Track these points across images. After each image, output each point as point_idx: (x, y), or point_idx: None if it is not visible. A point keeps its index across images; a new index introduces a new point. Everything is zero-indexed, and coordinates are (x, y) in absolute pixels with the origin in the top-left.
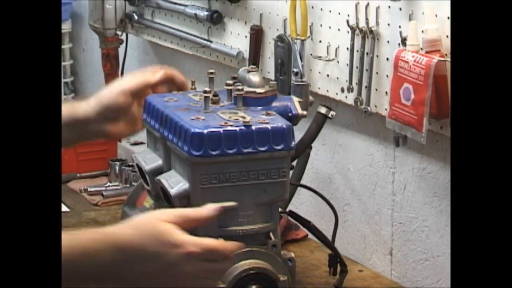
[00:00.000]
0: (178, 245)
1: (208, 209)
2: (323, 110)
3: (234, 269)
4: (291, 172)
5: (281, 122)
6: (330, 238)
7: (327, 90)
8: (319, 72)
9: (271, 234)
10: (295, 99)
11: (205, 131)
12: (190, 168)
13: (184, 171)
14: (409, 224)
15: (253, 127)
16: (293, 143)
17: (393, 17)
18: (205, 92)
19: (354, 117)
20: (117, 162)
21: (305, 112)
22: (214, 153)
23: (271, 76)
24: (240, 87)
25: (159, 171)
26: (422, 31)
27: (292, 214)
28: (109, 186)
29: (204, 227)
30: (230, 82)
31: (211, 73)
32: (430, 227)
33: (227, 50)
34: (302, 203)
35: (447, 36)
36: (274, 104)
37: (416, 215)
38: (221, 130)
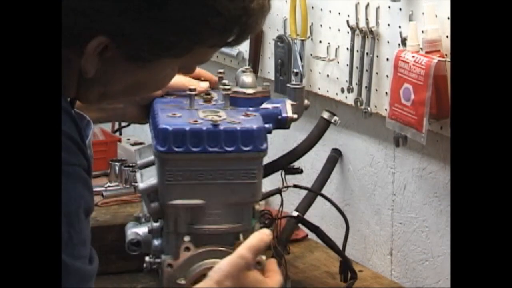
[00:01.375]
0: (243, 263)
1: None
2: (326, 115)
3: (196, 267)
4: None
5: (255, 124)
6: (332, 239)
7: (327, 91)
8: (319, 73)
9: (240, 236)
10: (288, 102)
11: (171, 127)
12: (157, 163)
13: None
14: (409, 224)
15: (221, 127)
16: (265, 145)
17: (393, 18)
18: (190, 90)
19: (354, 117)
20: (117, 163)
21: (295, 116)
22: (178, 149)
23: (271, 76)
24: (227, 87)
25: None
26: (422, 32)
27: (300, 219)
28: (109, 186)
29: (173, 225)
30: (226, 82)
31: (220, 72)
32: (430, 227)
33: (227, 51)
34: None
35: (447, 37)
36: (265, 105)
37: (416, 215)
38: (186, 127)
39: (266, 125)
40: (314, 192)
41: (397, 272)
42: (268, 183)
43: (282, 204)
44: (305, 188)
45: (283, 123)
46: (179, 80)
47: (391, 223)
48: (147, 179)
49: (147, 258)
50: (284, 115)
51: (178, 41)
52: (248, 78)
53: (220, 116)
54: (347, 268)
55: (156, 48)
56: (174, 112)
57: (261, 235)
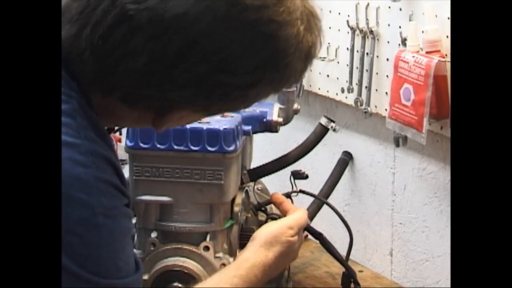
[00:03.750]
0: (292, 233)
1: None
2: (323, 121)
3: (158, 264)
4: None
5: (225, 125)
6: (339, 241)
7: (327, 91)
8: (319, 73)
9: (208, 236)
10: (276, 106)
11: None
12: (128, 159)
13: None
14: (409, 224)
15: (188, 126)
16: (232, 147)
17: (393, 18)
18: None
19: (354, 117)
20: None
21: (280, 119)
22: (145, 146)
23: None
24: None
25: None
26: (422, 32)
27: None
28: None
29: (142, 220)
30: None
31: None
32: (430, 227)
33: None
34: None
35: (447, 37)
36: (252, 108)
37: (416, 216)
38: None
39: (246, 128)
40: (319, 199)
41: (397, 272)
42: (278, 187)
43: None
44: (311, 195)
45: (268, 127)
46: None
47: (391, 223)
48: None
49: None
50: (269, 118)
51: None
52: None
53: None
54: (350, 280)
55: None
56: None
57: (306, 215)
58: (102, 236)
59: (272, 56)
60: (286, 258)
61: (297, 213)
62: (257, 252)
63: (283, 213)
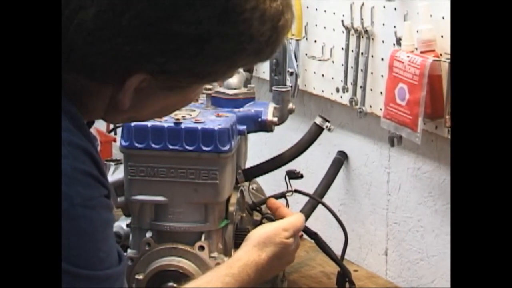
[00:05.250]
0: (287, 235)
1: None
2: (318, 120)
3: (154, 264)
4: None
5: (220, 125)
6: (334, 240)
7: (322, 90)
8: (314, 72)
9: (202, 236)
10: (271, 105)
11: (133, 123)
12: (123, 159)
13: None
14: (404, 224)
15: (182, 126)
16: (227, 147)
17: (388, 17)
18: None
19: (349, 117)
20: (112, 162)
21: (275, 119)
22: (139, 146)
23: (266, 76)
24: (209, 87)
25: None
26: (417, 31)
27: None
28: None
29: (137, 220)
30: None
31: None
32: (425, 227)
33: None
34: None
35: (442, 36)
36: (248, 107)
37: (411, 215)
38: (148, 124)
39: (241, 127)
40: (314, 199)
41: (392, 271)
42: (273, 187)
43: None
44: (306, 194)
45: (263, 126)
46: None
47: (386, 223)
48: (120, 174)
49: (128, 251)
50: (264, 118)
51: (216, 69)
52: (233, 79)
53: (190, 115)
54: (345, 280)
55: (194, 78)
56: None
57: (302, 219)
58: (81, 227)
59: (225, 7)
60: (280, 261)
61: (294, 216)
62: (250, 252)
63: (279, 219)
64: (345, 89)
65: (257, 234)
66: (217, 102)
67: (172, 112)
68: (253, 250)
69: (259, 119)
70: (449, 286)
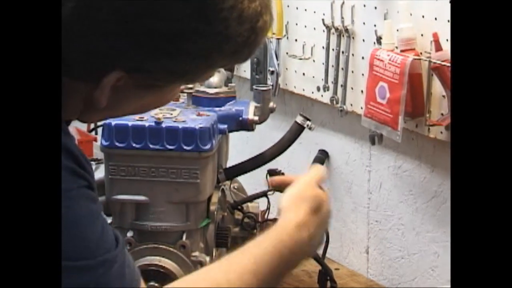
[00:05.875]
0: (320, 193)
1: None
2: (299, 119)
3: (136, 264)
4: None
5: (201, 124)
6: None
7: (303, 89)
8: (295, 71)
9: (184, 235)
10: (252, 104)
11: (114, 122)
12: (103, 158)
13: None
14: (385, 222)
15: (163, 125)
16: (208, 146)
17: (368, 16)
18: None
19: (330, 115)
20: (93, 162)
21: (256, 118)
22: (120, 145)
23: (247, 75)
24: (190, 86)
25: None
26: (397, 30)
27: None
28: None
29: (118, 219)
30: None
31: None
32: (406, 225)
33: None
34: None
35: (421, 35)
36: (229, 106)
37: (392, 213)
38: (129, 123)
39: (222, 126)
40: None
41: (374, 270)
42: (255, 185)
43: (268, 208)
44: None
45: (244, 125)
46: None
47: (367, 221)
48: (100, 173)
49: None
50: (245, 117)
51: (193, 69)
52: (214, 78)
53: (171, 114)
54: (326, 278)
55: (171, 77)
56: None
57: (319, 168)
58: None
59: (202, 5)
60: (320, 214)
61: (310, 171)
62: (284, 218)
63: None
64: (326, 88)
65: (285, 201)
66: (198, 101)
67: (149, 110)
68: (290, 215)
69: (240, 118)
70: (429, 283)
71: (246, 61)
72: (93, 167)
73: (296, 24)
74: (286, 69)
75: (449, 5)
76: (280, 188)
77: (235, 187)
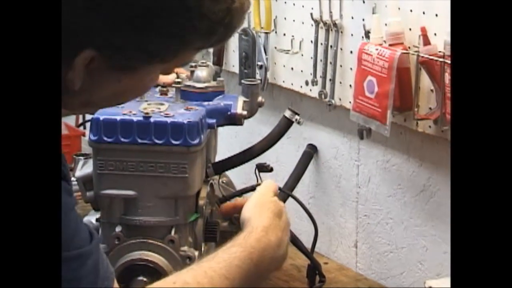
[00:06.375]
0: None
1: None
2: (287, 114)
3: (123, 258)
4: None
5: (190, 118)
6: (305, 234)
7: (292, 83)
8: (284, 65)
9: (172, 230)
10: (241, 99)
11: (102, 117)
12: (92, 153)
13: None
14: (374, 216)
15: (152, 119)
16: (197, 140)
17: (357, 10)
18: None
19: (319, 110)
20: (81, 157)
21: (245, 112)
22: (108, 139)
23: (236, 69)
24: (178, 80)
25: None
26: (386, 24)
27: None
28: (73, 181)
29: (107, 214)
30: (183, 75)
31: (192, 66)
32: (395, 219)
33: None
34: None
35: (410, 29)
36: (217, 101)
37: (380, 207)
38: (117, 118)
39: (210, 121)
40: (284, 192)
41: (362, 264)
42: (243, 180)
43: None
44: None
45: (233, 120)
46: None
47: (356, 215)
48: (88, 168)
49: None
50: (233, 111)
51: (166, 47)
52: (202, 72)
53: (160, 108)
54: (315, 272)
55: (144, 56)
56: None
57: (270, 181)
58: None
59: None
60: (283, 221)
61: (261, 185)
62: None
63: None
64: (314, 82)
65: (246, 211)
66: (186, 95)
67: (130, 99)
68: (254, 223)
69: (229, 113)
70: (417, 277)
71: (223, 43)
72: (82, 162)
73: (285, 19)
74: (275, 63)
75: None
76: (233, 212)
77: (224, 181)
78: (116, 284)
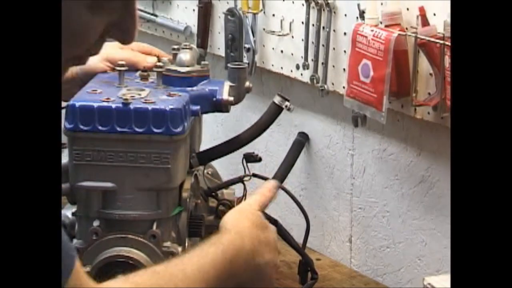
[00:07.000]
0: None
1: (270, 188)
2: (277, 99)
3: (102, 254)
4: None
5: (172, 105)
6: (296, 229)
7: (281, 67)
8: (273, 48)
9: (154, 224)
10: (227, 84)
11: (78, 104)
12: (67, 142)
13: None
14: (369, 209)
15: (131, 106)
16: (180, 128)
17: None
18: (119, 66)
19: (310, 95)
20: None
21: (231, 98)
22: (85, 128)
23: (221, 52)
24: (160, 64)
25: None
26: (381, 4)
27: None
28: None
29: (84, 208)
30: (165, 59)
31: (175, 49)
32: (391, 212)
33: (173, 25)
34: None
35: (407, 9)
36: (201, 86)
37: (376, 200)
38: (95, 104)
39: (194, 107)
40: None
41: (357, 260)
42: (230, 171)
43: (245, 194)
44: (265, 179)
45: (219, 106)
46: (124, 54)
47: (350, 208)
48: (64, 158)
49: (74, 241)
50: (219, 97)
51: None
52: (185, 56)
53: (140, 95)
54: (307, 269)
55: None
56: (95, 89)
57: (265, 191)
58: None
59: None
60: (267, 236)
61: (258, 193)
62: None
63: None
64: (305, 66)
65: (226, 220)
66: (169, 80)
67: (69, 55)
68: (226, 228)
69: (214, 99)
70: (416, 274)
71: None
72: None
73: None
74: (263, 46)
75: None
76: None
77: (209, 172)
78: (78, 263)
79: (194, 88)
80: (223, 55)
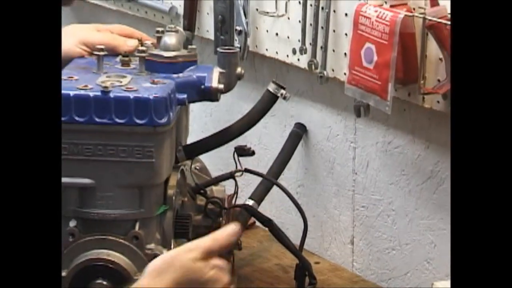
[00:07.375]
0: (193, 256)
1: (227, 233)
2: (272, 87)
3: (79, 258)
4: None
5: (156, 93)
6: (292, 228)
7: (276, 52)
8: (267, 31)
9: (137, 224)
10: (216, 70)
11: None
12: None
13: None
14: (373, 207)
15: (111, 95)
16: (165, 119)
17: None
18: (98, 50)
19: (308, 83)
20: None
21: (221, 86)
22: (61, 119)
23: (210, 35)
24: (143, 48)
25: None
26: None
27: (249, 209)
28: None
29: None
30: (148, 43)
31: (159, 31)
32: (397, 210)
33: (157, 5)
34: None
35: None
36: (188, 72)
37: (380, 197)
38: (71, 93)
39: (180, 96)
40: (268, 179)
41: (359, 263)
42: (220, 166)
43: (236, 192)
44: (258, 174)
45: (207, 94)
46: (102, 37)
47: (352, 207)
48: None
49: None
50: (207, 84)
51: None
52: (171, 39)
53: (121, 82)
54: (304, 274)
55: None
56: (71, 75)
57: (218, 236)
58: None
59: None
60: None
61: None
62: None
63: None
64: (303, 50)
65: (152, 263)
66: (152, 66)
67: None
68: (143, 282)
69: (202, 86)
70: (424, 278)
71: None
72: None
73: None
74: (256, 28)
75: None
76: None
77: (197, 167)
78: None
79: (180, 74)
80: (212, 38)
